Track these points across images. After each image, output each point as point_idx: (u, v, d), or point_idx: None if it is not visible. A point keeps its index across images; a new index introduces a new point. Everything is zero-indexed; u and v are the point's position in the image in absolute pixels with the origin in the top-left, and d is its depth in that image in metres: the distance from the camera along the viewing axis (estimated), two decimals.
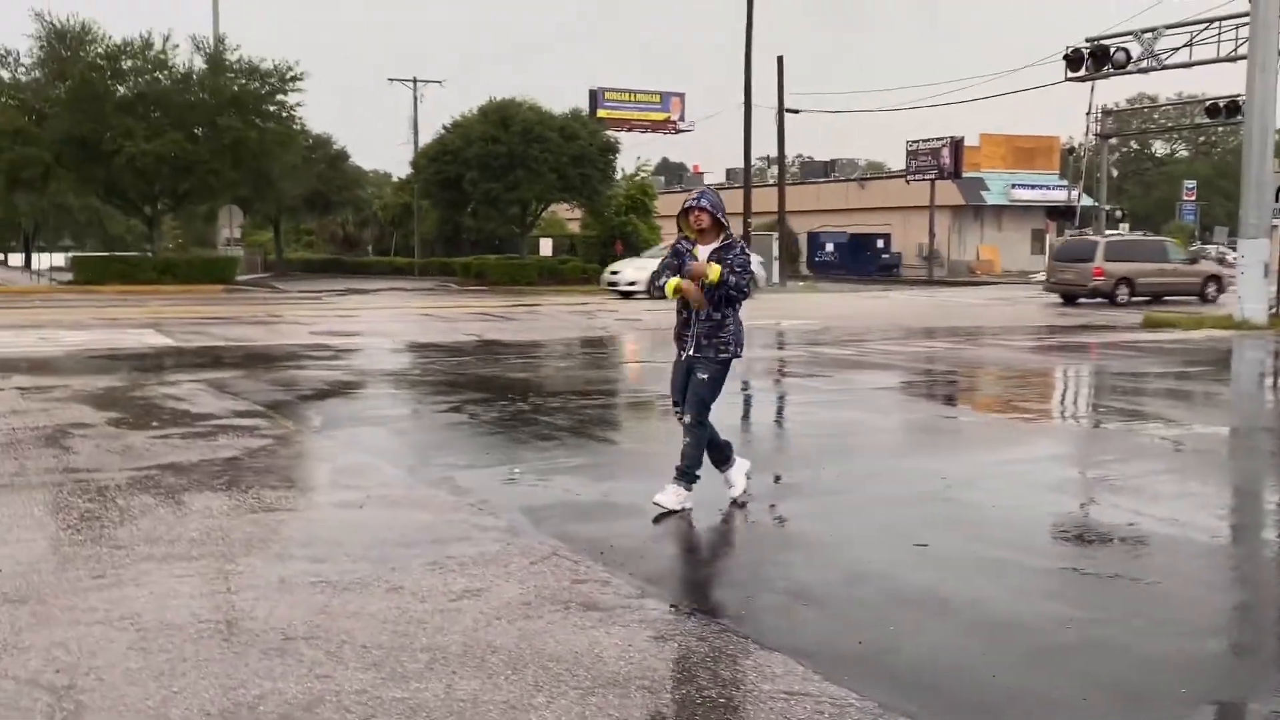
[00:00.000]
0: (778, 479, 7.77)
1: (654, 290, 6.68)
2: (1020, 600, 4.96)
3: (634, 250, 40.06)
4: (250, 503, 6.59)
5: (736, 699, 3.86)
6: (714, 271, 6.24)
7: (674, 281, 6.33)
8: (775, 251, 42.00)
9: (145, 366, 14.11)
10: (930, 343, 18.78)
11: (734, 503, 6.62)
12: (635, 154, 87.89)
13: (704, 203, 6.33)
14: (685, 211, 6.34)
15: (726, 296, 6.33)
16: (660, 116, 59.37)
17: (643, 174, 51.16)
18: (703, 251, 6.38)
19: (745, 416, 11.11)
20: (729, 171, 70.74)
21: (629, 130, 57.15)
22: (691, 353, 6.42)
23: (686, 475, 6.43)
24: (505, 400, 11.23)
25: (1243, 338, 19.94)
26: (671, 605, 4.82)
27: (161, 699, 3.78)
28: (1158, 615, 4.80)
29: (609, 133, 47.98)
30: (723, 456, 6.70)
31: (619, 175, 49.30)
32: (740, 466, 6.76)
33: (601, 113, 53.88)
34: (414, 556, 5.47)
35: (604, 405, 11.40)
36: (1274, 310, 22.68)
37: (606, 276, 34.64)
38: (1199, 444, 9.20)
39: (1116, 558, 5.70)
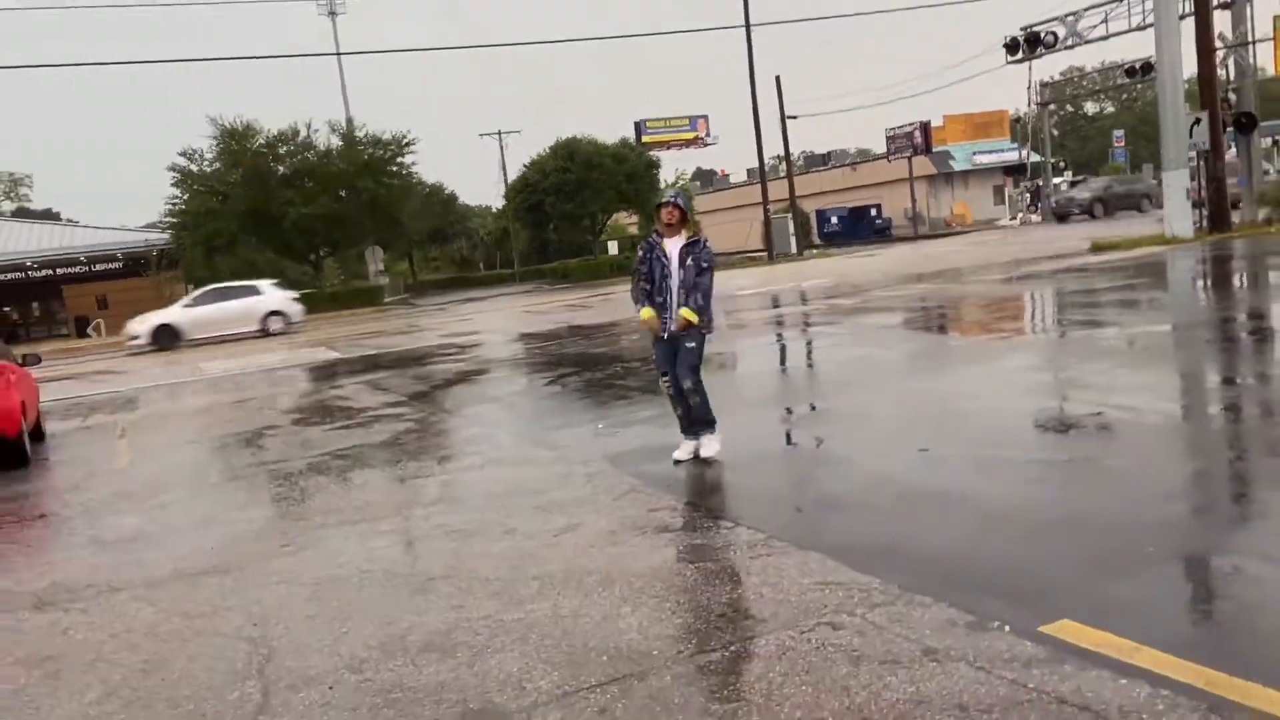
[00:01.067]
0: (812, 408, 7.57)
1: (637, 300, 5.88)
2: (1010, 489, 4.70)
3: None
4: (398, 474, 6.56)
5: (781, 591, 3.68)
6: (693, 317, 5.69)
7: (647, 312, 5.79)
8: (791, 228, 41.19)
9: (319, 376, 14.25)
10: (921, 286, 18.21)
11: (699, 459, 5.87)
12: (674, 167, 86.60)
13: (679, 200, 5.74)
14: (659, 207, 5.77)
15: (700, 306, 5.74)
16: (690, 135, 58.21)
17: (681, 182, 50.73)
18: (671, 245, 5.73)
19: (781, 361, 10.88)
20: (749, 171, 69.50)
21: (667, 149, 56.20)
22: (676, 330, 5.75)
23: (710, 424, 5.95)
24: (591, 371, 11.09)
25: (1174, 251, 19.01)
26: (727, 521, 4.66)
27: (334, 638, 3.72)
28: (1126, 489, 4.51)
29: (652, 153, 47.49)
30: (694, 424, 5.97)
31: (663, 184, 48.78)
32: (703, 443, 5.93)
33: (645, 139, 53.05)
34: (523, 503, 5.38)
35: None
36: (1198, 225, 21.61)
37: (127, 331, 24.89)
38: (1147, 341, 8.73)
39: (1087, 444, 5.41)
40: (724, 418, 7.18)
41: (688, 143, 58.55)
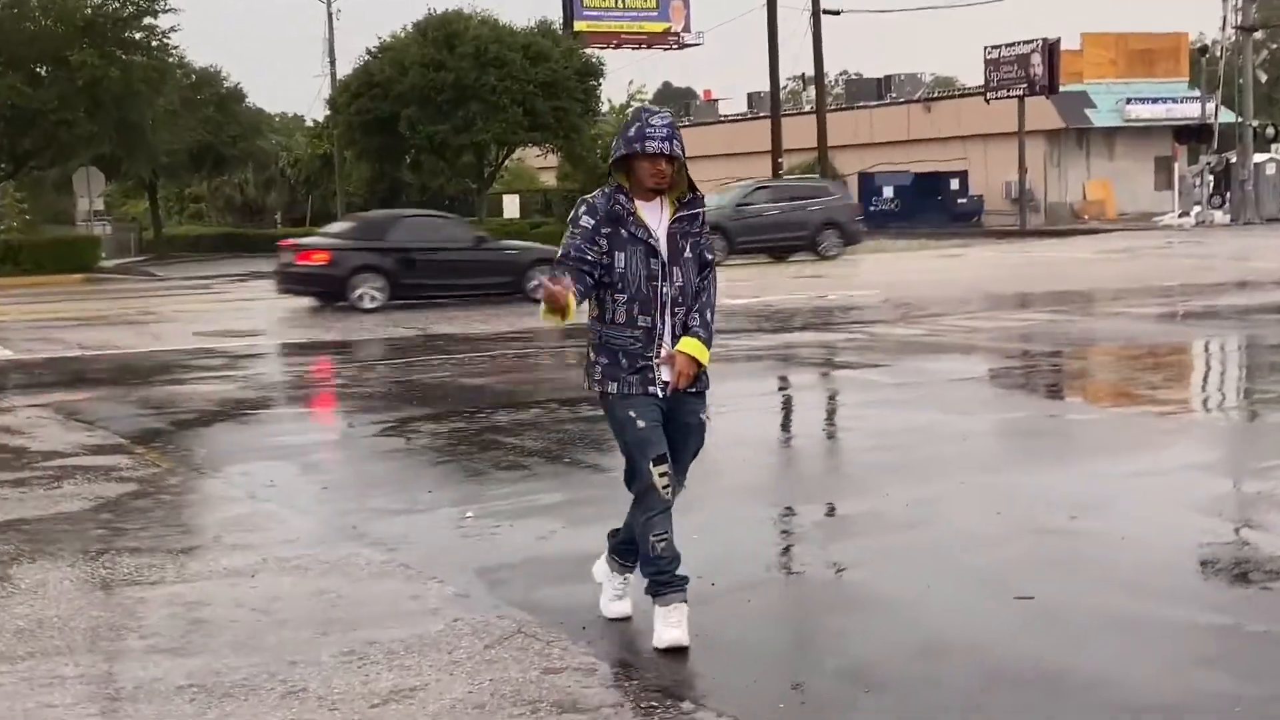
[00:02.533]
0: (831, 510, 7.64)
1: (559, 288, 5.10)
2: (1167, 673, 4.77)
3: None
4: (100, 575, 6.41)
5: None
6: (704, 356, 5.25)
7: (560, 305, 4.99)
8: None
9: None
10: (1025, 314, 18.55)
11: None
12: (627, 78, 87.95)
13: (676, 147, 5.09)
14: (633, 157, 5.12)
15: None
16: (658, 28, 58.99)
17: (637, 103, 50.95)
18: (651, 215, 5.21)
19: (785, 425, 10.91)
20: (751, 97, 70.37)
21: (617, 47, 56.88)
22: (681, 387, 5.23)
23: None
24: (458, 416, 11.10)
25: None
26: (682, 702, 4.62)
27: None
28: None
29: (590, 51, 47.81)
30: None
31: (605, 107, 49.16)
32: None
33: (579, 25, 53.62)
34: (323, 644, 5.27)
35: (592, 418, 11.12)
36: None
37: None
38: None
39: None
40: (690, 515, 7.18)
41: (652, 39, 59.28)
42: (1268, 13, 49.93)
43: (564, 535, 6.97)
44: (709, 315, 5.30)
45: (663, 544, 5.19)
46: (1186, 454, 8.78)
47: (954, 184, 53.94)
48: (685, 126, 68.70)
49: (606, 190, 5.25)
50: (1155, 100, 54.66)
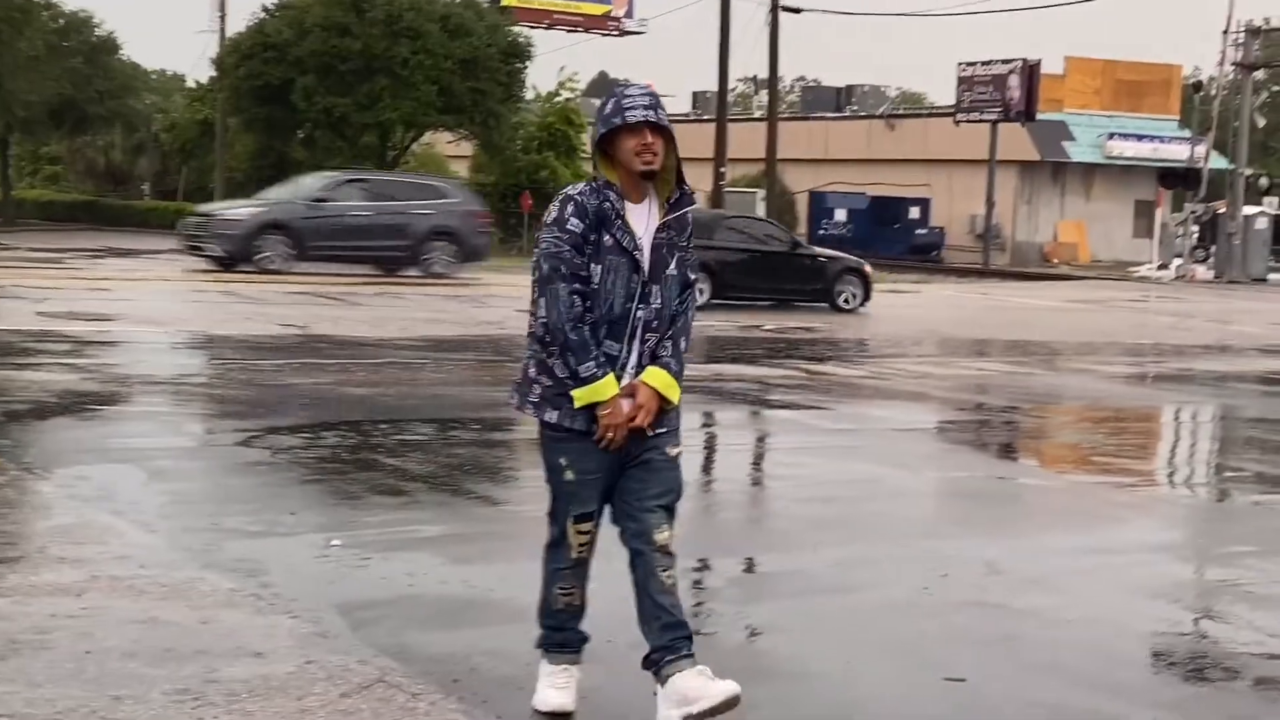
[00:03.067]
0: (751, 566, 7.65)
1: (578, 353, 4.86)
2: None
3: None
4: None
5: None
6: (674, 393, 4.98)
7: (609, 387, 4.85)
8: (761, 215, 42.00)
9: None
10: (982, 363, 18.70)
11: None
12: (558, 63, 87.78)
13: (662, 116, 4.87)
14: (616, 134, 4.88)
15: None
16: (597, 10, 59.23)
17: (567, 92, 50.98)
18: (638, 218, 4.95)
19: (706, 468, 10.92)
20: (697, 96, 70.79)
21: (550, 27, 56.99)
22: (642, 424, 4.93)
23: (691, 636, 5.12)
24: (333, 430, 11.05)
25: None
26: None
27: None
28: None
29: (518, 29, 47.75)
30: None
31: (531, 94, 49.02)
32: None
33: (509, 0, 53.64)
34: (154, 678, 5.18)
35: (487, 442, 11.18)
36: None
37: None
38: None
39: (1255, 706, 5.58)
40: (592, 561, 7.15)
41: (590, 22, 59.45)
42: (1272, 51, 50.34)
43: (442, 574, 6.90)
44: (683, 343, 5.07)
45: (567, 599, 5.13)
46: (1146, 532, 8.89)
47: (914, 212, 54.27)
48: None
49: (593, 185, 4.98)
50: (1140, 137, 55.39)
